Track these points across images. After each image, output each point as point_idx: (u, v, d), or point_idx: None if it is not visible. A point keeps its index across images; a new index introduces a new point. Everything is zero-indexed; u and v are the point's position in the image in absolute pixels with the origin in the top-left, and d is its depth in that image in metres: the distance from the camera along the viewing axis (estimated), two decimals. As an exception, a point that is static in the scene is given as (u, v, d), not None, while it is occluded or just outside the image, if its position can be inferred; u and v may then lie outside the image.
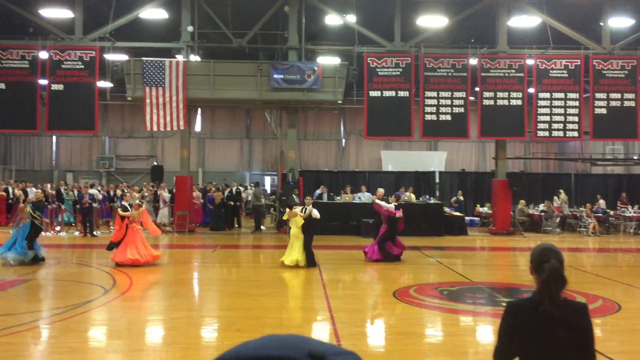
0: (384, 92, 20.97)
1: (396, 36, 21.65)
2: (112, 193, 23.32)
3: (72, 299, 9.68)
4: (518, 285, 11.53)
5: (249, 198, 25.63)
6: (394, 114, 20.85)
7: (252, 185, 25.69)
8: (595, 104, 21.43)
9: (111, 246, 13.64)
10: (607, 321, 8.73)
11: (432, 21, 21.51)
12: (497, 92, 21.20)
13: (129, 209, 13.62)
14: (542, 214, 22.47)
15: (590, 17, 22.67)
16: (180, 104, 19.99)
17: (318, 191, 21.36)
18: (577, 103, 21.32)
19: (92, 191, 20.65)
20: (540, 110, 21.34)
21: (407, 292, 10.61)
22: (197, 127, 26.39)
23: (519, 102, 21.19)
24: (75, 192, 21.96)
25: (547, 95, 21.33)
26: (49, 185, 23.98)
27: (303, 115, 27.00)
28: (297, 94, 20.53)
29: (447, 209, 21.99)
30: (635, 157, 30.76)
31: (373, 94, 20.98)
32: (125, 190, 21.70)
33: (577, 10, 22.42)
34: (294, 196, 18.62)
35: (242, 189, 25.85)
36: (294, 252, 13.34)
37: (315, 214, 13.57)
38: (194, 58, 21.35)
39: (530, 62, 21.50)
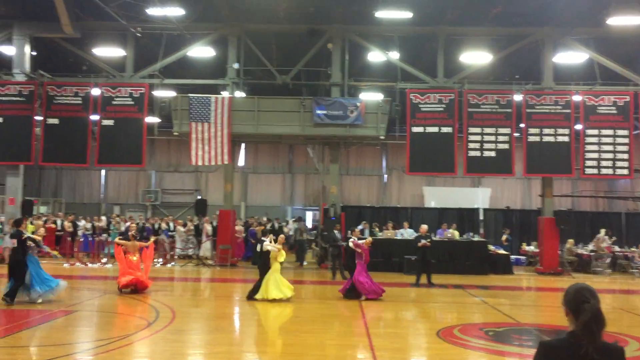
0: (426, 127, 20.92)
1: (439, 72, 21.67)
2: (156, 226, 23.72)
3: (116, 331, 9.79)
4: (566, 327, 11.10)
5: (291, 233, 25.67)
6: (437, 149, 20.73)
7: (294, 219, 25.76)
8: (646, 141, 20.86)
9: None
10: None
11: (476, 57, 21.47)
12: (543, 129, 20.87)
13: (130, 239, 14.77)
14: (592, 253, 21.77)
15: (639, 53, 22.25)
16: (225, 139, 20.35)
17: (360, 227, 21.24)
18: (626, 140, 20.79)
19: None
20: (588, 147, 20.88)
21: (451, 332, 10.36)
22: (241, 161, 26.80)
23: (566, 139, 20.80)
24: (122, 225, 22.47)
25: (595, 132, 20.88)
26: (103, 218, 24.60)
27: (345, 151, 27.10)
28: (340, 130, 20.67)
29: (491, 247, 21.53)
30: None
31: (416, 129, 20.95)
32: (140, 222, 22.19)
33: (624, 46, 22.05)
34: (336, 231, 18.56)
35: (283, 224, 25.92)
36: (281, 287, 13.54)
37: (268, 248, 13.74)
38: (239, 94, 21.80)
39: (577, 98, 21.15)
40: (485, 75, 23.14)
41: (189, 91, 21.74)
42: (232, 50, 21.61)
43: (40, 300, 12.20)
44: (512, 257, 22.21)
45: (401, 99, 21.44)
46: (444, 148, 20.72)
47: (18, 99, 20.74)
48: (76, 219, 23.10)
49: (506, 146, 20.83)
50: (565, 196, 31.46)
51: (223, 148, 20.41)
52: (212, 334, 10.22)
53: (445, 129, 20.85)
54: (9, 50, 21.84)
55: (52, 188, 36.11)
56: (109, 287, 15.13)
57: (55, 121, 20.80)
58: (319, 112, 20.48)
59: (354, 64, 22.93)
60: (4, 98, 20.69)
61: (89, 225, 21.88)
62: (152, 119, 24.30)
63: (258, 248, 14.47)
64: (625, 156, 20.79)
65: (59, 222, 23.64)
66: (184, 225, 23.78)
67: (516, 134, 21.47)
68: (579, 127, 21.29)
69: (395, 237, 21.01)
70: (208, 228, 23.05)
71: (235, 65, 21.54)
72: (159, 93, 22.66)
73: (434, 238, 19.18)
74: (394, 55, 22.15)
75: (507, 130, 20.88)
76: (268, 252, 13.68)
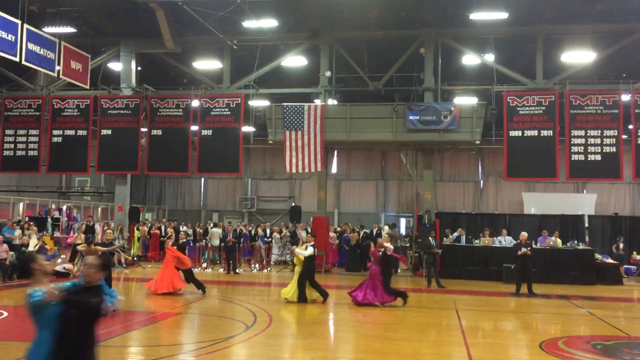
0: (525, 131, 20.15)
1: (538, 74, 20.84)
2: (253, 232, 24.33)
3: (217, 334, 10.12)
4: (686, 343, 10.28)
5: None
6: (537, 154, 19.91)
7: (388, 226, 25.55)
8: None
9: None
10: None
11: (578, 57, 20.46)
12: (655, 130, 19.52)
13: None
14: None
15: None
16: (318, 147, 20.58)
17: (455, 234, 20.77)
18: None
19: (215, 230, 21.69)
20: None
21: (555, 345, 9.86)
22: (334, 169, 26.99)
23: (681, 140, 19.34)
24: (221, 231, 23.23)
25: None
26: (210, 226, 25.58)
27: (439, 156, 26.64)
28: (434, 135, 20.34)
29: (598, 256, 20.33)
30: None
31: (513, 133, 20.23)
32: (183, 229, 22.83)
33: None
34: (430, 238, 18.24)
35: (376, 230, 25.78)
36: (289, 287, 13.92)
37: (299, 252, 13.99)
38: (332, 102, 21.99)
39: (692, 95, 19.63)
40: (589, 75, 21.99)
41: (283, 100, 22.21)
42: (324, 59, 21.86)
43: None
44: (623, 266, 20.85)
45: (497, 102, 20.80)
46: (544, 152, 19.86)
47: (125, 112, 22.02)
48: (178, 225, 24.13)
49: (613, 149, 19.66)
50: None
51: (316, 155, 20.66)
52: (308, 339, 10.33)
53: (545, 132, 19.99)
54: (117, 66, 23.26)
55: (156, 196, 37.99)
56: (210, 291, 15.66)
57: (158, 132, 21.88)
58: (411, 117, 20.27)
59: (447, 67, 22.52)
60: (113, 111, 22.04)
61: (190, 232, 22.78)
62: (247, 128, 25.01)
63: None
64: None
65: (162, 228, 24.77)
66: (280, 231, 24.25)
67: (624, 136, 20.21)
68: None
69: (493, 245, 20.34)
70: (303, 234, 23.34)
71: (328, 74, 21.77)
72: (254, 103, 23.32)
73: (534, 246, 18.39)
74: (489, 58, 21.55)
75: (614, 133, 19.71)
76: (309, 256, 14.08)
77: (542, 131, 20.01)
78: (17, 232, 19.59)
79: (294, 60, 22.48)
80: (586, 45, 20.39)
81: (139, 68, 23.06)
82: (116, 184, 23.34)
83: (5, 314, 11.75)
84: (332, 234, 23.12)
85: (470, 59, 22.05)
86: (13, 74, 22.56)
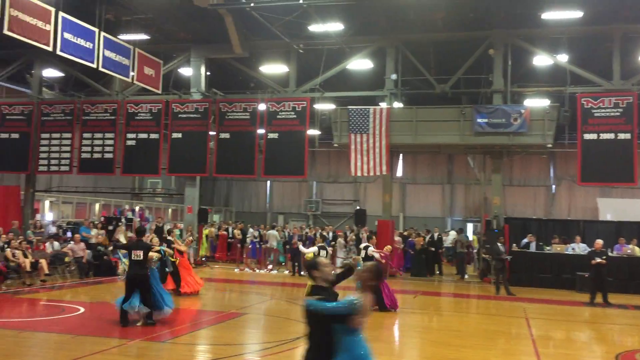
0: (600, 134, 19.31)
1: (615, 74, 19.95)
2: (317, 235, 24.41)
3: (282, 335, 10.21)
4: None
5: (450, 244, 25.07)
6: (613, 158, 19.04)
7: (455, 231, 25.11)
8: None
9: None
10: None
11: (659, 55, 19.45)
12: None
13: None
14: None
15: None
16: (384, 150, 20.46)
17: (525, 240, 20.15)
18: None
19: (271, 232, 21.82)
20: None
21: (632, 357, 9.40)
22: (399, 172, 26.73)
23: None
24: (286, 234, 23.49)
25: None
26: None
27: (508, 160, 25.89)
28: (503, 138, 19.83)
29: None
30: None
31: (588, 136, 19.43)
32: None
33: None
34: (499, 244, 17.77)
35: (443, 235, 25.40)
36: None
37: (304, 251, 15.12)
38: (397, 105, 21.82)
39: None
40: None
41: (348, 103, 22.20)
42: (389, 61, 21.73)
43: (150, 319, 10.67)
44: None
45: (571, 104, 20.05)
46: (622, 156, 18.97)
47: (195, 116, 22.60)
48: (245, 227, 24.55)
49: (697, 152, 18.56)
50: None
51: (381, 159, 20.53)
52: (373, 342, 10.14)
53: (622, 136, 19.09)
54: (187, 71, 23.93)
55: (224, 198, 38.82)
56: (275, 292, 15.84)
57: (226, 135, 22.33)
58: (479, 120, 19.83)
59: (517, 69, 21.91)
60: (183, 115, 22.66)
61: (256, 233, 23.13)
62: (313, 132, 25.16)
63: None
64: None
65: (230, 229, 25.28)
66: (345, 235, 24.24)
67: None
68: None
69: (565, 252, 19.61)
70: (365, 238, 23.25)
71: (393, 76, 21.61)
72: (319, 106, 23.43)
73: (610, 254, 17.59)
74: (562, 58, 20.82)
75: (698, 135, 18.61)
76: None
77: (619, 134, 19.13)
78: (94, 231, 20.45)
79: (360, 63, 22.45)
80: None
81: (208, 73, 23.63)
82: (186, 186, 23.97)
83: (82, 309, 12.28)
84: (397, 238, 22.92)
85: (541, 60, 21.37)
86: (91, 79, 23.59)
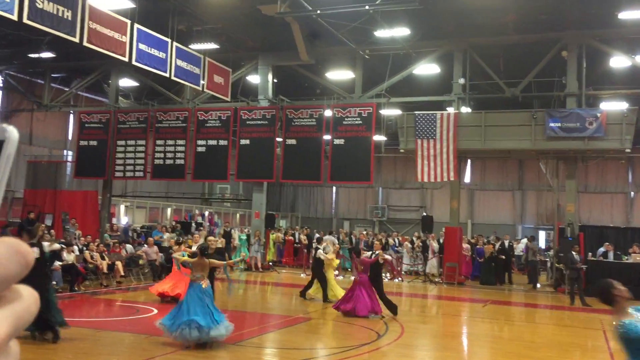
0: (684, 138, 18.30)
1: (701, 74, 18.89)
2: (383, 241, 24.26)
3: (349, 341, 10.19)
4: None
5: (521, 252, 24.35)
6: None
7: (527, 239, 24.36)
8: None
9: None
10: None
11: None
12: None
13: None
14: None
15: None
16: (451, 155, 20.12)
17: (602, 249, 19.30)
18: None
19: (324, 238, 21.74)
20: None
21: None
22: (467, 178, 26.23)
23: None
24: (352, 239, 23.46)
25: None
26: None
27: (583, 166, 24.90)
28: (577, 143, 19.10)
29: None
30: None
31: (670, 140, 18.45)
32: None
33: None
34: (574, 253, 17.10)
35: (514, 243, 24.71)
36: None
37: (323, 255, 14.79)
38: (465, 110, 21.43)
39: None
40: None
41: (415, 109, 21.98)
42: (457, 66, 21.38)
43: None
44: None
45: (651, 107, 19.11)
46: None
47: (262, 122, 22.98)
48: (311, 233, 24.70)
49: None
50: None
51: (449, 164, 20.20)
52: (441, 351, 10.08)
53: None
54: (255, 79, 24.38)
55: (290, 203, 39.24)
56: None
57: (293, 142, 22.57)
58: (552, 124, 19.19)
59: (592, 71, 21.08)
60: (251, 122, 23.09)
61: (334, 239, 23.21)
62: (379, 137, 25.07)
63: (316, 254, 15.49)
64: None
65: (296, 235, 25.50)
66: (411, 241, 23.99)
67: None
68: None
69: (646, 262, 18.63)
70: (434, 245, 22.94)
71: (461, 81, 21.25)
72: (385, 112, 23.33)
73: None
74: (642, 58, 19.89)
75: None
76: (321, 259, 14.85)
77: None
78: (166, 235, 21.09)
79: (426, 68, 22.21)
80: None
81: (275, 80, 23.98)
82: (253, 191, 24.38)
83: (156, 311, 12.67)
84: (465, 245, 22.46)
85: (619, 61, 20.48)
86: (163, 88, 24.42)
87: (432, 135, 20.32)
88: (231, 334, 9.14)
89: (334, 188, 37.51)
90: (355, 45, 21.09)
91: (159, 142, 23.88)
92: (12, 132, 0.52)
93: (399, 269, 22.16)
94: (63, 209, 22.20)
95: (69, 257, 15.14)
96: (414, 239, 24.62)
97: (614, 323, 4.20)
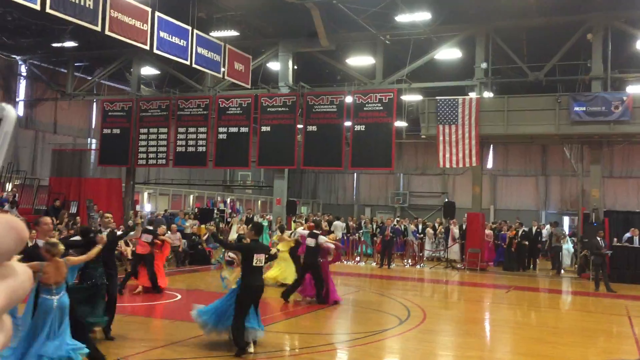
0: None
1: None
2: (403, 227, 24.23)
3: (371, 326, 10.21)
4: None
5: (544, 238, 24.11)
6: None
7: (550, 224, 24.13)
8: None
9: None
10: None
11: None
12: None
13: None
14: None
15: None
16: (473, 141, 19.95)
17: (628, 234, 19.03)
18: None
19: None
20: None
21: None
22: (490, 163, 25.99)
23: None
24: (374, 226, 23.44)
25: None
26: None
27: (608, 150, 24.52)
28: (602, 127, 18.79)
29: None
30: None
31: (699, 123, 18.07)
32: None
33: None
34: (599, 238, 16.89)
35: (541, 228, 24.46)
36: (274, 270, 14.07)
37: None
38: (487, 94, 21.19)
39: None
40: None
41: (436, 94, 21.79)
42: (479, 50, 21.12)
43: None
44: None
45: (679, 89, 18.71)
46: None
47: (283, 109, 22.98)
48: (332, 219, 24.72)
49: None
50: None
51: (471, 150, 20.03)
52: (463, 337, 10.07)
53: None
54: (275, 65, 24.36)
55: (311, 190, 39.30)
56: (363, 284, 15.86)
57: (313, 128, 22.55)
58: (577, 109, 18.89)
59: (618, 54, 20.65)
60: (271, 109, 23.11)
61: (343, 225, 23.26)
62: (400, 123, 24.92)
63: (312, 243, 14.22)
64: None
65: (332, 222, 25.51)
66: (433, 227, 23.91)
67: None
68: None
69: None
70: (455, 231, 22.83)
71: (483, 65, 21.00)
72: (406, 97, 23.16)
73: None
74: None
75: None
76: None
77: None
78: (189, 222, 21.30)
79: (448, 53, 21.97)
80: None
81: (295, 67, 23.94)
82: (274, 178, 24.45)
83: (179, 296, 12.84)
84: (487, 232, 22.32)
85: (645, 43, 20.06)
86: (184, 76, 24.53)
87: (453, 121, 20.15)
88: None
89: (355, 174, 37.45)
90: (375, 31, 20.94)
91: (180, 129, 24.02)
92: (10, 111, 0.53)
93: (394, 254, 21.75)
94: (87, 196, 22.53)
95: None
96: (436, 225, 24.54)
97: None
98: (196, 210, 25.64)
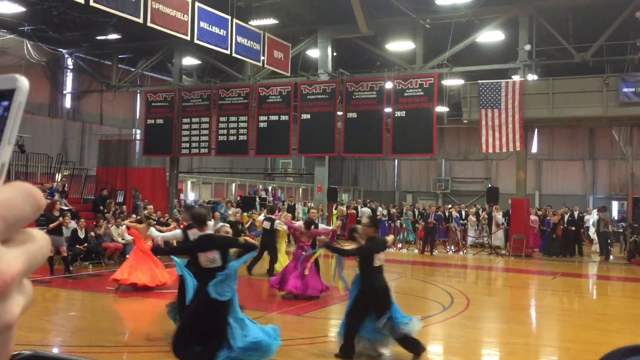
0: None
1: None
2: (446, 214, 24.01)
3: (414, 312, 10.15)
4: None
5: (586, 224, 23.54)
6: None
7: (598, 210, 23.53)
8: None
9: None
10: None
11: None
12: None
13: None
14: None
15: None
16: (517, 125, 19.55)
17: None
18: None
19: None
20: None
21: None
22: (534, 148, 25.43)
23: None
24: (416, 212, 23.28)
25: None
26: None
27: (660, 132, 23.72)
28: (653, 108, 18.17)
29: None
30: None
31: None
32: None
33: None
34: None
35: (584, 213, 23.91)
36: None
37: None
38: (532, 77, 20.70)
39: None
40: None
41: (478, 78, 21.40)
42: (523, 32, 20.61)
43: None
44: None
45: None
46: None
47: (322, 96, 22.96)
48: (374, 206, 24.68)
49: None
50: None
51: (514, 134, 19.64)
52: (508, 324, 9.94)
53: None
54: (314, 53, 24.32)
55: (352, 177, 39.27)
56: (405, 271, 15.80)
57: (354, 115, 22.48)
58: (626, 90, 18.29)
59: (670, 31, 19.88)
60: (311, 97, 23.13)
61: (385, 212, 23.19)
62: (441, 108, 24.61)
63: (267, 226, 14.50)
64: None
65: (359, 208, 25.54)
66: (476, 213, 23.61)
67: None
68: None
69: None
70: (499, 217, 22.49)
71: (527, 47, 20.49)
72: (447, 82, 22.83)
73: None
74: None
75: None
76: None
77: None
78: (231, 210, 21.58)
79: (490, 36, 21.53)
80: None
81: (334, 53, 23.85)
82: (315, 165, 24.51)
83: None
84: (533, 217, 21.91)
85: (700, 19, 19.22)
86: (225, 65, 24.75)
87: (496, 105, 19.78)
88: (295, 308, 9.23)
89: (396, 161, 37.23)
90: (415, 15, 20.66)
91: (222, 118, 24.28)
92: (23, 82, 0.54)
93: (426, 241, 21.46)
94: (133, 185, 23.04)
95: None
96: (480, 211, 24.23)
97: None
98: (238, 198, 25.91)
